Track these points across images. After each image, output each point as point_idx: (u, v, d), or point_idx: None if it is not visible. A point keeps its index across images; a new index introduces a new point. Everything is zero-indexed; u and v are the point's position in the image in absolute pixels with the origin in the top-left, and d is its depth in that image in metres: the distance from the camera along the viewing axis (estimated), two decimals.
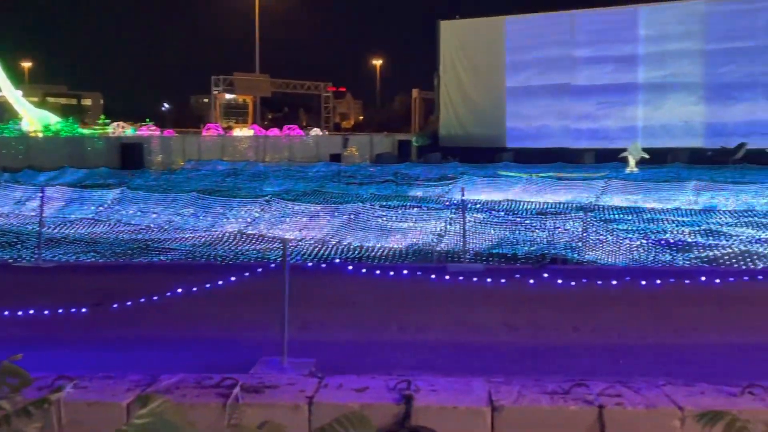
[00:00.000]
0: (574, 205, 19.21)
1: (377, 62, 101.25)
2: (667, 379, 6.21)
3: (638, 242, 13.50)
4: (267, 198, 18.31)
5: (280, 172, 32.18)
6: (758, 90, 34.08)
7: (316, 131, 64.33)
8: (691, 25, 35.52)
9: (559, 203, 20.06)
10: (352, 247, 13.58)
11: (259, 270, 8.71)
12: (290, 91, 79.24)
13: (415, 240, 14.10)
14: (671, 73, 36.28)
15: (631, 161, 31.59)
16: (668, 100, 36.25)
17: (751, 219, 16.80)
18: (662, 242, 13.82)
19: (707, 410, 3.87)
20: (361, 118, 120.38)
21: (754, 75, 34.14)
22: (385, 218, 16.25)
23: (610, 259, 12.16)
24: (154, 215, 18.04)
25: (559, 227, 13.82)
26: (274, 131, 61.38)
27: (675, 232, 15.17)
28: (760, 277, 8.55)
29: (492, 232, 14.85)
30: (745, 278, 8.39)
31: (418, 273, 8.69)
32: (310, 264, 10.19)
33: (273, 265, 8.87)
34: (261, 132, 60.23)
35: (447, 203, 19.58)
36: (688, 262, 12.20)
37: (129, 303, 8.15)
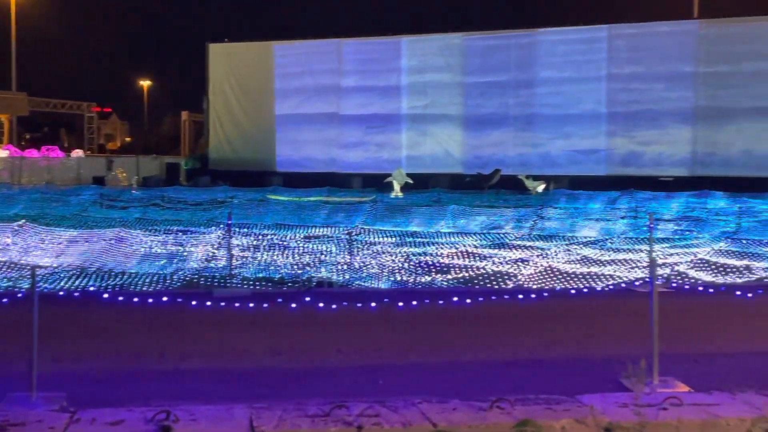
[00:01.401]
0: (341, 229, 19.58)
1: (145, 83, 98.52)
2: (424, 396, 6.46)
3: (401, 264, 13.97)
4: (20, 223, 17.18)
5: (37, 195, 30.34)
6: (509, 121, 36.54)
7: (78, 153, 61.32)
8: (450, 57, 37.52)
9: (327, 226, 20.39)
10: (113, 273, 13.02)
11: (5, 300, 8.14)
12: (51, 111, 75.15)
13: (180, 265, 13.77)
14: (431, 103, 38.08)
15: (396, 186, 32.78)
16: (430, 130, 38.01)
17: (503, 242, 17.87)
18: (423, 264, 14.38)
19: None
20: (129, 139, 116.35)
21: (507, 106, 36.56)
22: (149, 243, 15.73)
23: (374, 282, 12.48)
24: None
25: (324, 251, 14.01)
26: (32, 152, 57.86)
27: (435, 255, 15.84)
28: (506, 296, 9.09)
29: (260, 256, 14.80)
30: (493, 297, 8.90)
31: (179, 299, 8.47)
32: (62, 293, 9.64)
33: (20, 295, 8.32)
34: (17, 153, 56.56)
35: (214, 227, 19.32)
36: (446, 283, 12.76)
37: None
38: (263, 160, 41.84)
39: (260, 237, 17.23)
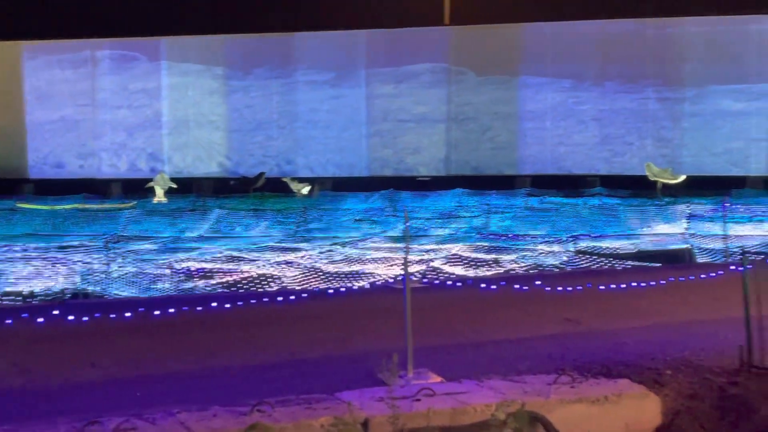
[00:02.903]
0: (98, 237, 18.74)
1: None
2: (184, 406, 6.34)
3: (161, 272, 13.61)
4: None
5: None
6: (273, 124, 36.60)
7: None
8: (211, 58, 36.92)
9: (84, 235, 19.44)
10: None
11: None
12: None
13: None
14: (193, 106, 37.31)
15: (159, 191, 31.82)
16: (193, 133, 37.29)
17: (268, 244, 17.88)
18: (185, 270, 14.09)
19: None
20: None
21: (271, 109, 36.56)
22: None
23: (133, 291, 12.08)
24: None
25: (79, 261, 13.38)
26: None
27: (198, 260, 15.57)
28: (268, 299, 9.13)
29: (11, 268, 13.88)
30: (254, 301, 8.91)
31: None
32: None
33: None
34: None
35: None
36: (208, 289, 12.60)
37: None
38: (13, 166, 39.13)
39: (7, 248, 16.13)
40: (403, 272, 9.64)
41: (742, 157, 29.44)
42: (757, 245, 15.90)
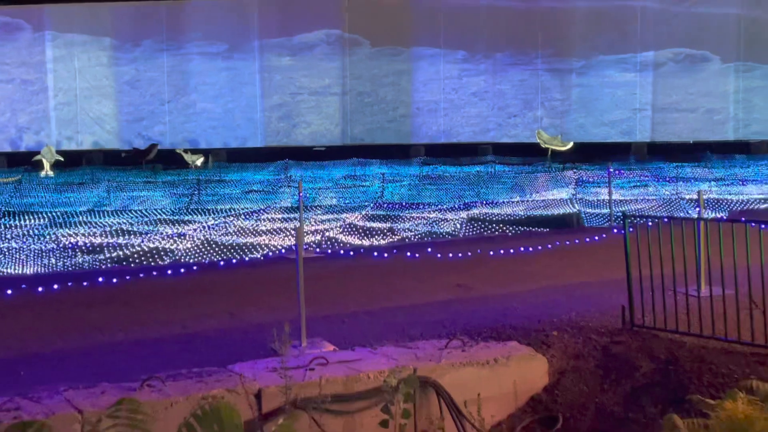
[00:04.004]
0: None
1: None
2: (71, 383, 6.17)
3: (48, 247, 13.18)
4: None
5: None
6: (165, 95, 35.72)
7: None
8: (97, 27, 35.67)
9: None
10: None
11: None
12: None
13: None
14: (80, 76, 36.08)
15: (46, 165, 30.79)
16: (81, 105, 36.06)
17: (161, 217, 17.55)
18: (73, 246, 13.69)
19: None
20: None
21: (162, 80, 35.68)
22: None
23: (16, 268, 11.66)
24: None
25: None
26: None
27: (87, 235, 15.14)
28: (158, 273, 8.96)
29: None
30: (142, 275, 8.72)
31: None
32: None
33: None
34: None
35: None
36: (99, 264, 12.28)
37: None
38: None
39: None
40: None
41: (627, 125, 30.43)
42: (640, 209, 16.53)
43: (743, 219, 8.79)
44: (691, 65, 30.32)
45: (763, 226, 7.92)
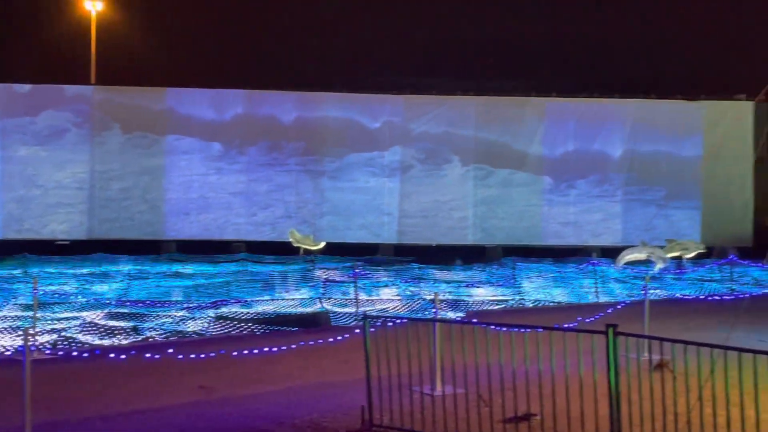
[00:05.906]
0: None
1: None
2: None
3: None
4: None
5: None
6: None
7: None
8: None
9: None
10: None
11: None
12: None
13: None
14: None
15: None
16: None
17: None
18: None
19: None
20: None
21: None
22: None
23: None
24: None
25: None
26: None
27: None
28: None
29: None
30: None
31: None
32: None
33: None
34: None
35: None
36: None
37: None
38: None
39: None
40: (32, 342, 9.01)
41: (375, 226, 31.57)
42: (382, 309, 17.09)
43: (474, 321, 9.35)
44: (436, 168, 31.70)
45: (492, 327, 8.50)
